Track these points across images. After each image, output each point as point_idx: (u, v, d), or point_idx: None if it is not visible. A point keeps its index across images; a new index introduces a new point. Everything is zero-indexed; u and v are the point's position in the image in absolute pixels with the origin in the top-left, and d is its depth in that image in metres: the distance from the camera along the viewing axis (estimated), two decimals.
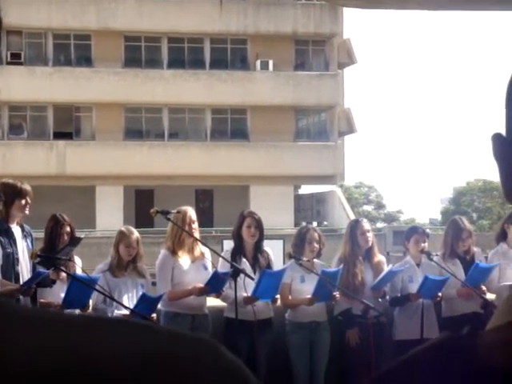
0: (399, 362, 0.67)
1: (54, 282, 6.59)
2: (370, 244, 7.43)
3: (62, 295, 6.49)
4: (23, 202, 6.62)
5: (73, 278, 6.39)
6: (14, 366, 0.55)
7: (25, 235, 6.70)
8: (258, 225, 7.13)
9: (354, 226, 7.53)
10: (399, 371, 0.66)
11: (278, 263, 7.68)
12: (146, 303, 6.52)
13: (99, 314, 6.31)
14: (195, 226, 6.91)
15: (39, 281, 6.42)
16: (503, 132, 0.78)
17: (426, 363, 0.65)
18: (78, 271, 6.71)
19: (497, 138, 0.77)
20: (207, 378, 0.58)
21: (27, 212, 6.69)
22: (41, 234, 7.24)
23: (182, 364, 0.58)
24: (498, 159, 0.77)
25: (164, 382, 0.57)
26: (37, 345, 0.57)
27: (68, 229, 6.81)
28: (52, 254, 6.50)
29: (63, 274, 6.58)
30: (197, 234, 6.93)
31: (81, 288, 6.32)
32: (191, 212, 6.95)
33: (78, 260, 6.88)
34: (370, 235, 7.47)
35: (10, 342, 0.57)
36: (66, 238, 6.77)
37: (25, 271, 6.59)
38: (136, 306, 6.47)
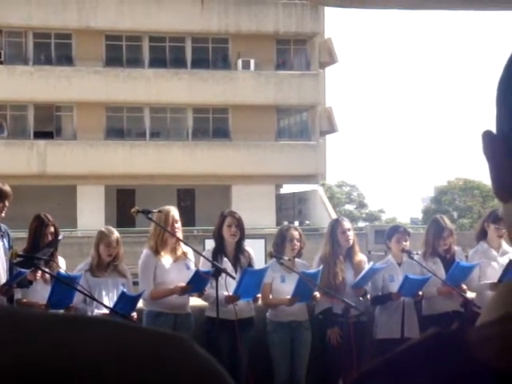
0: (384, 360, 0.66)
1: (30, 282, 6.56)
2: (350, 243, 7.43)
3: (46, 295, 6.46)
4: (1, 204, 6.54)
5: (56, 279, 6.36)
6: None
7: (1, 235, 6.64)
8: (239, 224, 7.13)
9: (335, 225, 7.53)
10: (385, 369, 0.65)
11: (259, 263, 7.68)
12: (126, 302, 6.51)
13: (79, 313, 6.28)
14: (178, 225, 6.90)
15: (17, 281, 6.39)
16: (493, 130, 0.78)
17: (414, 360, 0.64)
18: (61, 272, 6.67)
19: (487, 135, 0.76)
20: (180, 375, 0.58)
21: (3, 215, 6.62)
22: (21, 234, 7.19)
23: (156, 362, 0.57)
24: (489, 157, 0.76)
25: (137, 380, 0.56)
26: (10, 343, 0.56)
27: (52, 229, 6.78)
28: (32, 254, 6.46)
29: (42, 275, 6.54)
30: (180, 234, 6.92)
31: (65, 288, 6.30)
32: (174, 212, 6.94)
33: (61, 261, 6.83)
34: (351, 234, 7.46)
35: None
36: (50, 238, 6.73)
37: (1, 271, 6.54)
38: (116, 305, 6.45)
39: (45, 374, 0.55)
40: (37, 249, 6.59)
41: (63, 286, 6.28)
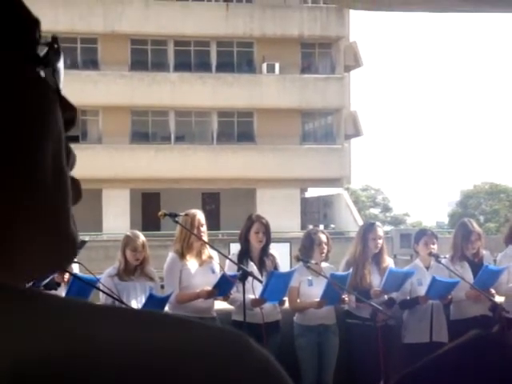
0: (429, 360, 0.66)
1: (59, 284, 6.59)
2: (378, 249, 7.43)
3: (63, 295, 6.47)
4: None
5: (74, 277, 6.37)
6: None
7: None
8: (266, 230, 7.14)
9: (368, 229, 7.51)
10: (428, 370, 0.66)
11: (284, 266, 7.66)
12: (154, 303, 6.50)
13: None
14: (204, 229, 6.90)
15: (45, 283, 6.42)
16: None
17: (458, 361, 0.64)
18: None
19: None
20: (242, 372, 0.58)
21: None
22: None
23: (218, 359, 0.57)
24: None
25: (202, 378, 0.57)
26: (68, 333, 0.57)
27: None
28: None
29: (67, 277, 6.56)
30: (205, 238, 6.92)
31: (81, 288, 6.30)
32: (200, 215, 6.94)
33: (74, 265, 6.81)
34: (381, 241, 7.46)
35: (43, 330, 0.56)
36: None
37: None
38: (144, 307, 6.45)
39: (112, 370, 0.55)
40: None
41: (80, 285, 6.25)
